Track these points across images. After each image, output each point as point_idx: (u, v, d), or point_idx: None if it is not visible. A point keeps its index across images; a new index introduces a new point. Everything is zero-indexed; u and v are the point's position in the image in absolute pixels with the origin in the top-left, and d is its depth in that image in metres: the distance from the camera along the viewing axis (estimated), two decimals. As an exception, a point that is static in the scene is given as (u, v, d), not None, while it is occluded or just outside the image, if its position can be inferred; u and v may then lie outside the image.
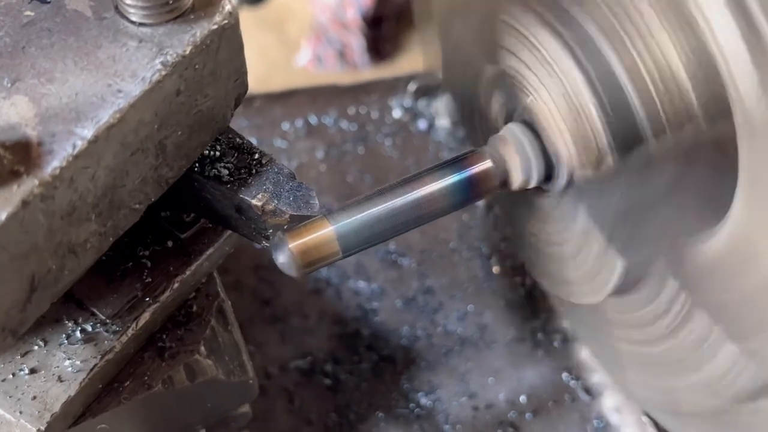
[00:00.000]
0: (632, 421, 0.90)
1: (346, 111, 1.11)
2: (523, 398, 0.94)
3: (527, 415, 0.93)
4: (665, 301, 0.58)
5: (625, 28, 0.50)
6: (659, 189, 0.54)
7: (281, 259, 0.52)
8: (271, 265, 0.89)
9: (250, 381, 0.64)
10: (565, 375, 0.94)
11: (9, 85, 0.43)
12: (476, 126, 0.73)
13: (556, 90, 0.55)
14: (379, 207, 0.55)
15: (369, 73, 1.70)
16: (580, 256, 0.63)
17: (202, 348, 0.59)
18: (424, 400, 0.93)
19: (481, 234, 1.04)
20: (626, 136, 0.53)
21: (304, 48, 1.75)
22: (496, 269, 1.02)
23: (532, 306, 0.98)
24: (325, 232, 0.52)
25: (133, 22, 0.46)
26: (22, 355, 0.55)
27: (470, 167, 0.57)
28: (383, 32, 1.79)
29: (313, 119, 1.10)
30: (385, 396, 0.92)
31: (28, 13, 0.46)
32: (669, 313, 0.58)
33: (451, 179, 0.56)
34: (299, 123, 1.09)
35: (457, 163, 0.57)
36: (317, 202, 0.54)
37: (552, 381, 0.95)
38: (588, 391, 0.94)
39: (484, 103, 0.67)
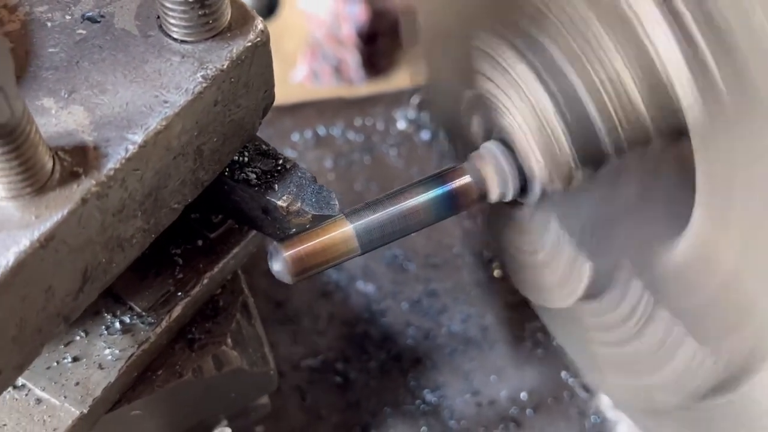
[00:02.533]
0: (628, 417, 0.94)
1: (352, 122, 1.16)
2: (524, 395, 0.98)
3: (528, 411, 0.97)
4: (630, 304, 0.62)
5: (584, 51, 0.54)
6: (626, 200, 0.58)
7: (276, 267, 0.55)
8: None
9: (271, 372, 0.69)
10: (563, 373, 0.98)
11: (66, 96, 0.48)
12: (457, 143, 0.77)
13: (526, 110, 0.59)
14: (380, 213, 0.60)
15: (365, 88, 1.73)
16: (553, 264, 0.67)
17: (229, 340, 0.64)
18: (430, 397, 0.97)
19: (483, 240, 1.08)
20: (590, 153, 0.56)
21: (300, 64, 1.78)
22: (497, 273, 1.06)
23: (531, 308, 1.03)
24: (345, 230, 0.57)
25: (175, 40, 0.50)
26: (65, 345, 0.59)
27: (451, 182, 0.60)
28: (378, 48, 1.81)
29: (321, 130, 1.14)
30: (393, 393, 0.96)
31: (80, 31, 0.50)
32: (634, 315, 0.62)
33: (433, 193, 0.59)
34: (308, 134, 1.14)
35: (439, 178, 0.60)
36: (337, 203, 0.59)
37: (551, 379, 0.99)
38: (586, 388, 0.98)
39: (464, 123, 0.72)
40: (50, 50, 0.50)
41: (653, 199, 0.58)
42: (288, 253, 0.55)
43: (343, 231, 0.56)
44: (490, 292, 1.04)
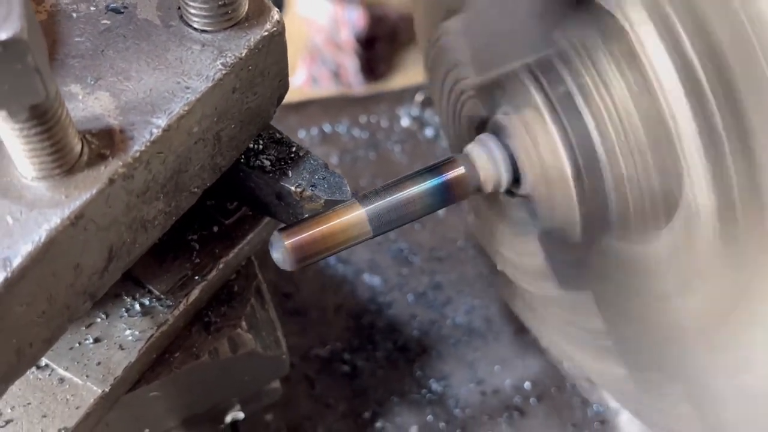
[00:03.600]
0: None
1: (357, 120, 1.18)
2: (527, 384, 1.00)
3: (531, 400, 0.99)
4: None
5: (586, 68, 0.56)
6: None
7: (276, 255, 0.57)
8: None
9: (283, 356, 0.71)
10: (566, 363, 1.00)
11: (92, 82, 0.50)
12: (455, 136, 0.80)
13: (520, 104, 0.62)
14: (390, 198, 0.62)
15: (364, 91, 1.75)
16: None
17: (243, 323, 0.66)
18: (435, 386, 0.98)
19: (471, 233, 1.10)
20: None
21: (300, 69, 1.79)
22: (500, 266, 1.08)
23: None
24: (358, 214, 0.59)
25: (195, 29, 0.52)
26: (87, 327, 0.61)
27: (447, 173, 0.62)
28: (377, 52, 1.84)
29: (327, 127, 1.17)
30: (399, 382, 0.98)
31: (104, 21, 0.53)
32: None
33: (429, 183, 0.61)
34: (314, 131, 1.16)
35: (436, 169, 0.62)
36: (348, 188, 0.61)
37: (554, 368, 1.00)
38: (588, 378, 1.00)
39: (461, 116, 0.75)
40: (76, 39, 0.52)
41: None
42: (288, 242, 0.56)
43: (356, 214, 0.58)
44: (493, 285, 1.06)
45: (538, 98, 0.60)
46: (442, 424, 0.96)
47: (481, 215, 0.83)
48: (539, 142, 0.61)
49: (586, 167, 0.58)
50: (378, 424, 0.95)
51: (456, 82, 0.74)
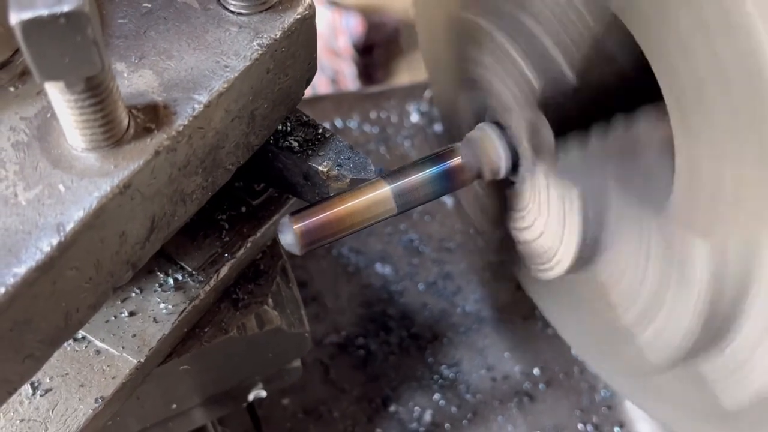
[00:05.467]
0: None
1: (368, 115, 1.21)
2: (536, 371, 1.02)
3: (540, 385, 1.01)
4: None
5: (559, 19, 0.60)
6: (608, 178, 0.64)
7: (286, 239, 0.59)
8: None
9: (306, 334, 0.73)
10: (574, 349, 1.02)
11: (136, 61, 0.53)
12: (455, 126, 0.83)
13: (511, 83, 0.65)
14: (411, 177, 0.64)
15: (379, 84, 1.77)
16: (547, 231, 0.72)
17: (270, 300, 0.68)
18: (447, 372, 1.01)
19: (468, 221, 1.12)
20: (557, 85, 0.62)
21: (297, 75, 1.82)
22: (508, 256, 1.11)
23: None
24: (384, 191, 0.61)
25: (232, 12, 0.55)
26: (122, 301, 0.63)
27: (448, 161, 0.64)
28: (374, 59, 1.86)
29: (338, 122, 1.19)
30: (412, 368, 1.01)
31: (146, 4, 0.55)
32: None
33: (431, 171, 0.64)
34: (326, 126, 1.19)
35: (438, 157, 0.65)
36: (373, 167, 0.64)
37: (562, 355, 1.03)
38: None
39: (460, 108, 0.78)
40: (119, 21, 0.54)
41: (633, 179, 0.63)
42: (297, 226, 0.58)
43: (382, 191, 0.61)
44: (502, 274, 1.08)
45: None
46: (453, 409, 0.98)
47: (479, 200, 0.85)
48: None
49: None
50: (391, 408, 0.98)
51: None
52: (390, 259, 1.08)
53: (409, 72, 1.86)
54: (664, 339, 0.62)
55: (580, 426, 0.98)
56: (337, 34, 1.85)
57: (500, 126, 0.67)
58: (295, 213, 0.60)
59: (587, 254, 0.68)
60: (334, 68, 1.85)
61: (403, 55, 1.89)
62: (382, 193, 0.62)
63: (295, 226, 0.59)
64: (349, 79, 1.83)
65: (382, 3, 1.90)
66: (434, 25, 0.82)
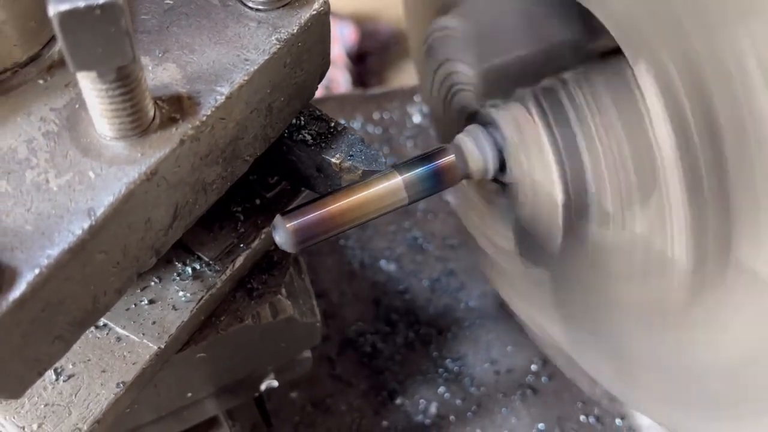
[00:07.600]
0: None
1: (371, 116, 1.23)
2: (539, 364, 1.04)
3: (543, 378, 1.03)
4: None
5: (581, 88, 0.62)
6: None
7: (278, 238, 0.59)
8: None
9: (317, 324, 0.75)
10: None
11: (160, 55, 0.55)
12: (445, 127, 0.85)
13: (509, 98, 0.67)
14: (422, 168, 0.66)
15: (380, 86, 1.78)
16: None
17: (283, 290, 0.70)
18: (451, 366, 1.03)
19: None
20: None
21: (291, 83, 1.83)
22: (510, 253, 1.13)
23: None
24: (396, 181, 0.63)
25: (251, 8, 0.57)
26: (142, 290, 0.65)
27: (437, 160, 0.66)
28: (368, 67, 1.87)
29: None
30: (417, 362, 1.03)
31: (168, 1, 0.57)
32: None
33: (420, 170, 0.65)
34: (332, 125, 1.21)
35: (427, 157, 0.66)
36: (384, 159, 0.66)
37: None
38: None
39: (452, 110, 0.80)
40: (143, 17, 0.57)
41: None
42: (290, 224, 0.58)
43: (394, 182, 0.63)
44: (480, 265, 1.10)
45: (528, 97, 0.66)
46: (458, 401, 1.00)
47: (466, 199, 0.87)
48: (525, 133, 0.66)
49: (569, 157, 0.63)
50: (397, 401, 0.99)
51: (447, 75, 0.79)
52: (394, 257, 1.10)
53: (402, 80, 1.88)
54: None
55: (582, 418, 1.00)
56: (330, 41, 1.87)
57: (487, 128, 0.69)
58: (287, 211, 0.59)
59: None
60: (328, 76, 1.86)
61: (396, 63, 1.92)
62: (394, 183, 0.64)
63: (287, 225, 0.59)
64: (343, 87, 1.85)
65: (376, 11, 1.92)
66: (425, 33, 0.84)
